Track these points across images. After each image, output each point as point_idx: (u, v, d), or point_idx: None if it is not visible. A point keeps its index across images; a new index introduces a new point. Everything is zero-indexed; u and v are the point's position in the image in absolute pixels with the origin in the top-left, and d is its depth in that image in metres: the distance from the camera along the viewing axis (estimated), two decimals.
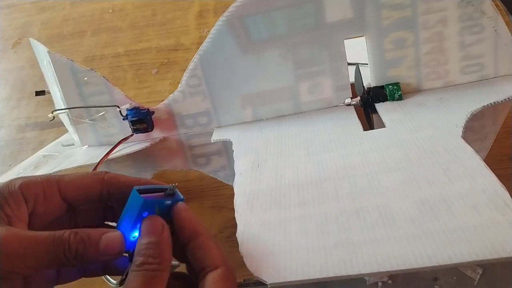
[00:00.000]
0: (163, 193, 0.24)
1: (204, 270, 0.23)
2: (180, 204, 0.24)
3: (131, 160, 0.44)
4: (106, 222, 0.27)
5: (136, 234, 0.23)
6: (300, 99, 0.39)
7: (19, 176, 0.42)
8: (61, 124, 0.47)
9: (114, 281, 0.28)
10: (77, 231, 0.22)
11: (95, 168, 0.37)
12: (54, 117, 0.42)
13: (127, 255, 0.23)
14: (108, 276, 0.26)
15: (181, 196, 0.25)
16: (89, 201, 0.25)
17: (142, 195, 0.23)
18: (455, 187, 0.26)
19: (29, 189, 0.23)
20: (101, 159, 0.38)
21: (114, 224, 0.27)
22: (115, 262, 0.25)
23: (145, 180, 0.26)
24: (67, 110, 0.42)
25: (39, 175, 0.24)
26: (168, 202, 0.24)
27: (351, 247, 0.24)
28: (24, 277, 0.23)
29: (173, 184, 0.24)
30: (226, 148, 0.42)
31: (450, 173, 0.27)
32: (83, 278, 0.26)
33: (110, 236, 0.22)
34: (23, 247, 0.21)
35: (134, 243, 0.23)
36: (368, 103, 0.39)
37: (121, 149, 0.41)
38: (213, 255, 0.23)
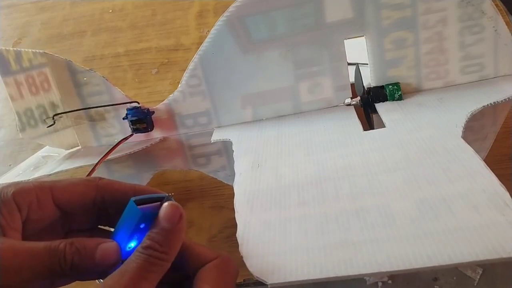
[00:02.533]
0: (159, 202, 0.23)
1: (201, 267, 0.23)
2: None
3: (131, 160, 0.44)
4: (99, 226, 0.27)
5: (132, 244, 0.23)
6: (300, 99, 0.39)
7: (19, 176, 0.42)
8: None
9: None
10: (73, 242, 0.22)
11: (93, 168, 0.37)
12: (55, 121, 0.42)
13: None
14: (101, 280, 0.26)
15: None
16: (83, 207, 0.25)
17: (139, 207, 0.22)
18: (455, 187, 0.26)
19: (22, 197, 0.23)
20: (100, 159, 0.38)
21: (107, 228, 0.27)
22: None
23: (139, 187, 0.26)
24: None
25: (32, 182, 0.24)
26: None
27: (351, 247, 0.24)
28: None
29: (169, 194, 0.24)
30: (226, 148, 0.42)
31: (450, 173, 0.27)
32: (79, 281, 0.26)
33: (106, 246, 0.22)
34: (19, 260, 0.20)
35: (130, 253, 0.23)
36: (368, 103, 0.39)
37: (121, 149, 0.41)
38: (204, 252, 0.23)
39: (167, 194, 0.23)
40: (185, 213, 0.23)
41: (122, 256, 0.23)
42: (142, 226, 0.23)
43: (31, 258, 0.21)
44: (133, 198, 0.23)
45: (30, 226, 0.23)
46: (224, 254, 0.24)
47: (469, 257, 0.22)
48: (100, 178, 0.26)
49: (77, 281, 0.26)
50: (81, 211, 0.25)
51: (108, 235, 0.26)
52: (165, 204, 0.22)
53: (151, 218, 0.23)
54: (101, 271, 0.22)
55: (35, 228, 0.24)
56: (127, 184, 0.26)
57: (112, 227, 0.26)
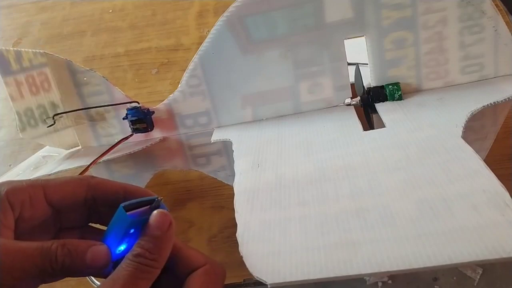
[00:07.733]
0: (148, 206, 0.23)
1: (190, 272, 0.23)
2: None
3: (131, 160, 0.44)
4: (90, 224, 0.27)
5: (122, 247, 0.23)
6: (300, 99, 0.39)
7: (19, 176, 0.42)
8: None
9: (98, 283, 0.28)
10: (65, 243, 0.22)
11: (88, 167, 0.37)
12: (55, 121, 0.42)
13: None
14: (92, 277, 0.26)
15: (166, 209, 0.24)
16: (74, 205, 0.25)
17: (128, 213, 0.22)
18: (455, 187, 0.26)
19: (16, 196, 0.23)
20: (98, 156, 0.38)
21: (98, 226, 0.27)
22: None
23: (130, 187, 0.26)
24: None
25: (24, 180, 0.24)
26: None
27: (351, 247, 0.24)
28: None
29: (159, 197, 0.24)
30: (226, 148, 0.42)
31: (450, 173, 0.27)
32: (80, 280, 0.26)
33: (97, 249, 0.23)
34: (11, 260, 0.21)
35: (120, 255, 0.23)
36: (368, 103, 0.39)
37: (121, 149, 0.41)
38: (194, 256, 0.24)
39: (156, 197, 0.23)
40: (174, 221, 0.23)
41: (112, 258, 0.23)
42: (131, 231, 0.23)
43: (23, 258, 0.21)
44: (122, 204, 0.23)
45: (23, 224, 0.24)
46: (213, 259, 0.24)
47: (469, 257, 0.22)
48: (92, 177, 0.26)
49: (78, 280, 0.26)
50: (72, 209, 0.26)
51: (99, 233, 0.26)
52: (155, 212, 0.23)
53: (140, 223, 0.23)
54: (91, 272, 0.23)
55: (28, 226, 0.24)
56: (118, 183, 0.26)
57: (103, 225, 0.26)
